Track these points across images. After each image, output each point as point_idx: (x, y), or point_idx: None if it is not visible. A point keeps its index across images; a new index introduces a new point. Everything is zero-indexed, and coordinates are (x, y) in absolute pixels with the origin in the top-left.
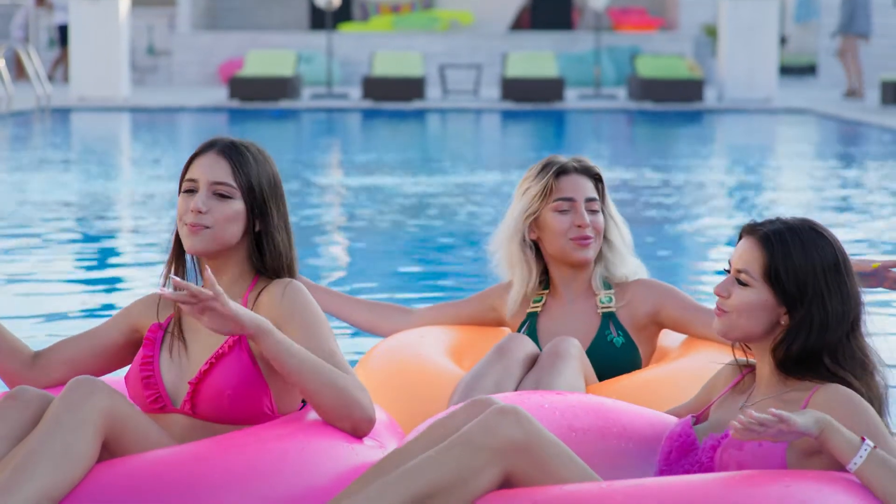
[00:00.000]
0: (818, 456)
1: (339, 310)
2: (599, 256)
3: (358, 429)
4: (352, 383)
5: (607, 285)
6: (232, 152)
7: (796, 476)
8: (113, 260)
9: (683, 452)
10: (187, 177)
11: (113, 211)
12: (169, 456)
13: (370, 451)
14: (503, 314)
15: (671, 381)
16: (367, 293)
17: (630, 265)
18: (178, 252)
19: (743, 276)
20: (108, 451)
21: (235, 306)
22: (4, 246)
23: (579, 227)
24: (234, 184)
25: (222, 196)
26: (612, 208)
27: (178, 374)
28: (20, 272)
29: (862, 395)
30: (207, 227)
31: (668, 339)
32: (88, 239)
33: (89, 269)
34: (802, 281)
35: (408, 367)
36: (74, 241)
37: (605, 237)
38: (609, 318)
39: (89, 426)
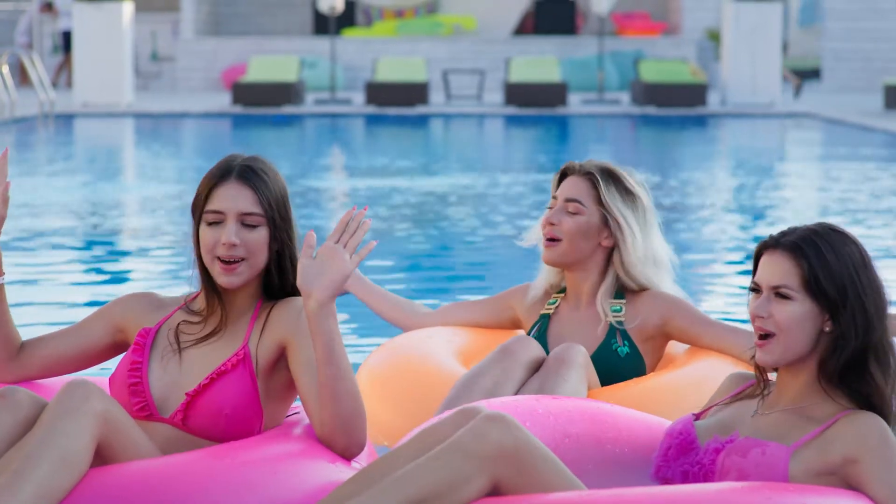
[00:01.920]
0: (827, 476)
1: (371, 300)
2: (610, 264)
3: (349, 449)
4: (363, 404)
5: (619, 294)
6: (252, 177)
7: (784, 490)
8: (115, 265)
9: (682, 451)
10: (211, 208)
11: (116, 216)
12: (160, 467)
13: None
14: (519, 315)
15: (672, 388)
16: None
17: (645, 277)
18: (208, 285)
19: (782, 291)
20: (98, 456)
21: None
22: (6, 251)
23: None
24: (260, 211)
25: (251, 226)
26: (618, 213)
27: (169, 383)
28: (21, 277)
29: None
30: (243, 260)
31: (674, 346)
32: (91, 244)
33: (92, 274)
34: (841, 284)
35: (411, 367)
36: (77, 246)
37: (615, 244)
38: (616, 327)
39: (86, 431)
